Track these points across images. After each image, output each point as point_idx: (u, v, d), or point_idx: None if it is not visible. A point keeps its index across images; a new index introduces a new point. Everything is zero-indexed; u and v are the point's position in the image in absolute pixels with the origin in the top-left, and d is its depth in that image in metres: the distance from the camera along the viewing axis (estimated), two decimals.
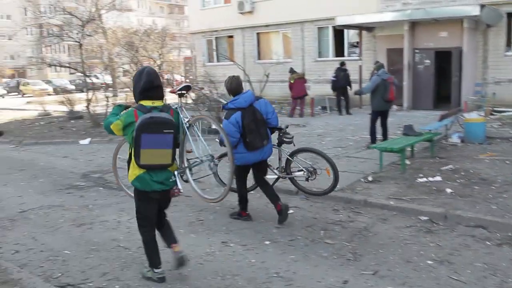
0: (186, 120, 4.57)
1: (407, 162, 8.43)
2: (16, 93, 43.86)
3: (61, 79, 49.49)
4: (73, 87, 40.03)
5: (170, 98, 10.99)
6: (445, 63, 17.19)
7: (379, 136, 10.46)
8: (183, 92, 4.85)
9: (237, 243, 5.33)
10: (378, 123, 10.25)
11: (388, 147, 8.02)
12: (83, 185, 8.38)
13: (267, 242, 5.32)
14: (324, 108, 18.15)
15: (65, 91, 30.30)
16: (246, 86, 20.51)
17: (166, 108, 4.32)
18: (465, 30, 15.93)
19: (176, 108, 4.52)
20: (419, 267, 4.57)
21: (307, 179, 6.38)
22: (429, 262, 4.68)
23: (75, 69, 18.35)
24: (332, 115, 16.79)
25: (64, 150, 12.14)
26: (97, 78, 19.61)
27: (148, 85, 4.18)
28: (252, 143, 5.74)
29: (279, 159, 6.67)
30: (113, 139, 13.34)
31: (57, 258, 5.13)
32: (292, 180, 6.74)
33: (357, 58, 18.90)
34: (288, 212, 5.94)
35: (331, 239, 5.35)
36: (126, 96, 22.79)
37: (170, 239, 4.60)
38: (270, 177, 6.57)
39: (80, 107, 19.11)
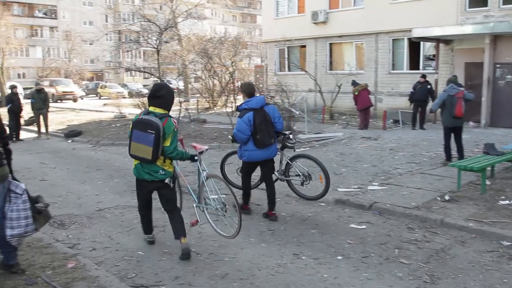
0: (205, 173, 5.65)
1: (487, 182, 8.01)
2: (94, 95, 46.01)
3: (135, 83, 51.46)
4: (146, 91, 41.50)
5: None
6: None
7: (454, 153, 10.06)
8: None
9: (309, 256, 5.25)
10: (453, 139, 9.93)
11: (467, 165, 7.65)
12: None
13: (340, 257, 5.20)
14: (396, 121, 17.68)
15: (139, 95, 31.42)
16: (317, 96, 20.55)
17: (163, 115, 5.03)
18: None
19: (173, 118, 5.13)
20: None
21: (302, 184, 7.09)
22: None
23: (152, 74, 18.95)
24: (404, 129, 16.31)
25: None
26: (170, 83, 20.14)
27: (151, 93, 5.12)
28: (262, 140, 6.38)
29: (280, 162, 7.28)
30: (186, 143, 13.65)
31: (131, 258, 5.26)
32: (289, 182, 7.42)
33: (433, 71, 18.29)
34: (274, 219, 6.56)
35: (406, 259, 5.15)
36: (197, 101, 23.37)
37: (179, 232, 5.25)
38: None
39: None
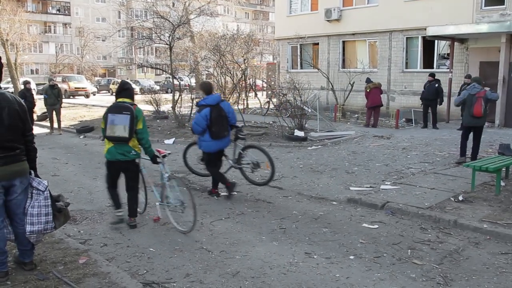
0: (167, 175, 6.20)
1: (502, 183, 7.90)
2: (106, 91, 46.23)
3: (147, 79, 51.62)
4: (158, 87, 41.61)
5: None
6: None
7: (470, 153, 9.96)
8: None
9: (321, 255, 5.20)
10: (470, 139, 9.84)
11: (482, 166, 7.54)
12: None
13: (352, 257, 5.15)
14: (409, 120, 17.53)
15: (151, 91, 31.48)
16: (329, 94, 20.43)
17: (131, 103, 5.98)
18: None
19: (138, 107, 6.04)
20: None
21: (252, 171, 7.93)
22: None
23: (164, 70, 18.95)
24: (417, 128, 16.17)
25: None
26: (181, 80, 20.16)
27: (120, 88, 6.12)
28: (217, 132, 7.27)
29: (234, 152, 8.05)
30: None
31: (142, 254, 5.26)
32: (241, 170, 8.12)
33: (447, 70, 18.10)
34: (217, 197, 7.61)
35: (419, 260, 5.09)
36: None
37: (132, 213, 6.21)
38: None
39: (165, 107, 19.76)
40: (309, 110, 16.46)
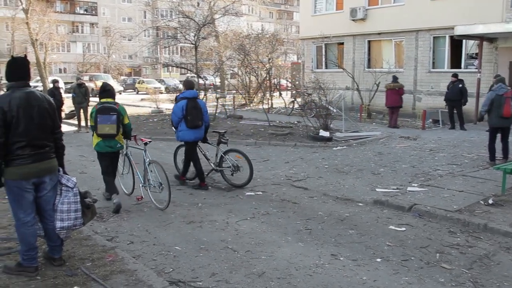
0: (148, 160, 7.31)
1: None
2: (132, 90, 46.70)
3: (172, 79, 51.99)
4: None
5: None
6: None
7: (499, 155, 9.76)
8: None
9: (347, 257, 5.15)
10: (498, 141, 9.64)
11: None
12: (193, 183, 8.62)
13: (379, 260, 5.08)
14: (436, 121, 17.26)
15: (176, 90, 31.65)
16: (354, 94, 20.25)
17: (114, 102, 7.04)
18: None
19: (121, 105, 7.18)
20: None
21: (232, 174, 8.37)
22: None
23: (189, 70, 19.06)
24: (444, 130, 15.91)
25: (175, 147, 12.59)
26: (206, 79, 20.25)
27: (102, 89, 7.15)
28: (191, 121, 8.01)
29: (216, 155, 8.57)
30: None
31: (168, 253, 5.28)
32: (222, 172, 8.57)
33: (475, 70, 17.76)
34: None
35: (448, 264, 4.99)
36: (233, 98, 23.43)
37: (113, 190, 7.15)
38: (206, 168, 8.57)
39: None
40: (334, 110, 16.36)
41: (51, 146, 4.50)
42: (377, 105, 19.60)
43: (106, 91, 7.13)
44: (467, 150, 11.64)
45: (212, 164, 8.63)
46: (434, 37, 19.92)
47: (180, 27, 19.61)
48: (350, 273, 4.75)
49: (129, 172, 7.77)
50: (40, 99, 4.44)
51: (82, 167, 10.23)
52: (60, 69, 61.10)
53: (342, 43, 23.67)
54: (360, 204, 7.30)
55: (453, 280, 4.62)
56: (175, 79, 52.17)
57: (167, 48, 38.58)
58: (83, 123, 16.41)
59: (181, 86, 41.86)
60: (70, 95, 16.80)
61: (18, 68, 4.42)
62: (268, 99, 23.03)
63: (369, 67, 22.29)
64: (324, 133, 13.35)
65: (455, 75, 15.92)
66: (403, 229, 6.10)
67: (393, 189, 8.00)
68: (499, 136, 9.75)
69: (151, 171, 7.25)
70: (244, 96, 24.94)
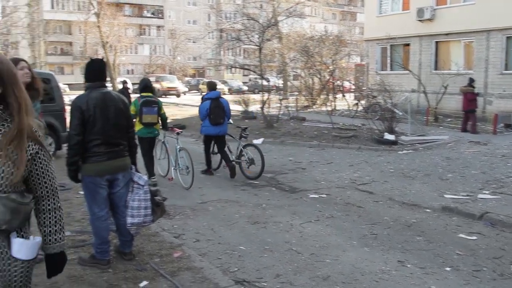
0: (178, 147, 8.71)
1: None
2: (196, 91, 47.68)
3: (235, 80, 52.60)
4: (246, 88, 42.26)
5: None
6: None
7: None
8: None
9: (415, 264, 5.00)
10: None
11: None
12: (257, 184, 8.70)
13: (448, 269, 4.90)
14: (508, 126, 16.46)
15: (239, 91, 31.98)
16: (420, 97, 19.68)
17: (153, 97, 8.52)
18: None
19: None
20: None
21: (248, 167, 9.25)
22: None
23: (254, 71, 19.20)
24: None
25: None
26: (268, 81, 20.31)
27: (144, 86, 8.54)
28: (215, 119, 9.16)
29: (237, 148, 9.52)
30: (285, 141, 13.72)
31: (233, 252, 5.34)
32: (240, 164, 9.41)
33: None
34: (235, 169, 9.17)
35: None
36: (296, 100, 23.39)
37: (151, 173, 8.58)
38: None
39: (253, 107, 19.99)
40: (400, 113, 15.97)
41: (124, 144, 4.68)
42: (445, 108, 18.94)
43: (148, 87, 8.56)
44: None
45: (233, 157, 9.47)
46: (507, 37, 19.02)
47: (244, 29, 19.81)
48: (418, 281, 4.61)
49: (165, 157, 9.27)
50: (116, 100, 4.62)
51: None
52: (127, 70, 63.31)
53: (408, 44, 23.08)
54: (428, 210, 7.08)
55: None
56: (238, 80, 52.77)
57: (230, 50, 39.09)
58: None
59: (245, 88, 42.51)
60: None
61: (96, 70, 4.62)
62: (331, 101, 22.80)
63: (436, 68, 21.58)
64: (389, 136, 13.07)
65: None
66: (474, 238, 5.86)
67: (463, 195, 7.70)
68: None
69: (181, 157, 8.60)
70: (307, 98, 24.84)
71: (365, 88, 22.14)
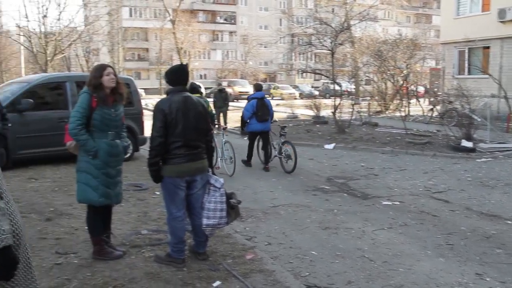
0: (224, 140, 10.22)
1: None
2: (267, 96, 47.98)
3: (306, 84, 52.52)
4: (317, 93, 42.10)
5: None
6: None
7: None
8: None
9: (495, 278, 4.79)
10: None
11: None
12: (328, 189, 8.67)
13: None
14: None
15: (310, 96, 31.92)
16: (500, 102, 18.80)
17: (201, 97, 8.08)
18: None
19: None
20: None
21: (286, 161, 10.31)
22: None
23: (326, 76, 19.13)
24: None
25: (310, 152, 12.78)
26: (340, 85, 20.14)
27: (193, 88, 8.79)
28: (260, 116, 10.26)
29: (278, 144, 10.57)
30: (357, 146, 13.55)
31: (304, 257, 5.36)
32: (280, 159, 10.47)
33: None
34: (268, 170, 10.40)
35: None
36: (368, 104, 23.02)
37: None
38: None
39: (325, 112, 19.88)
40: (478, 119, 15.30)
41: (203, 147, 4.85)
42: None
43: (195, 88, 9.21)
44: None
45: (275, 152, 10.65)
46: None
47: (316, 33, 19.76)
48: None
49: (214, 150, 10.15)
50: (196, 104, 4.80)
51: (222, 168, 10.75)
52: (200, 75, 64.99)
53: (488, 47, 22.06)
54: (509, 222, 6.75)
55: None
56: (309, 85, 52.64)
57: (302, 55, 39.09)
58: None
59: (316, 92, 42.41)
60: (211, 100, 17.80)
61: (179, 74, 4.83)
62: (405, 106, 22.23)
63: None
64: (466, 143, 12.56)
65: None
66: None
67: None
68: None
69: (226, 149, 10.00)
70: (379, 103, 24.37)
71: (440, 93, 21.38)
